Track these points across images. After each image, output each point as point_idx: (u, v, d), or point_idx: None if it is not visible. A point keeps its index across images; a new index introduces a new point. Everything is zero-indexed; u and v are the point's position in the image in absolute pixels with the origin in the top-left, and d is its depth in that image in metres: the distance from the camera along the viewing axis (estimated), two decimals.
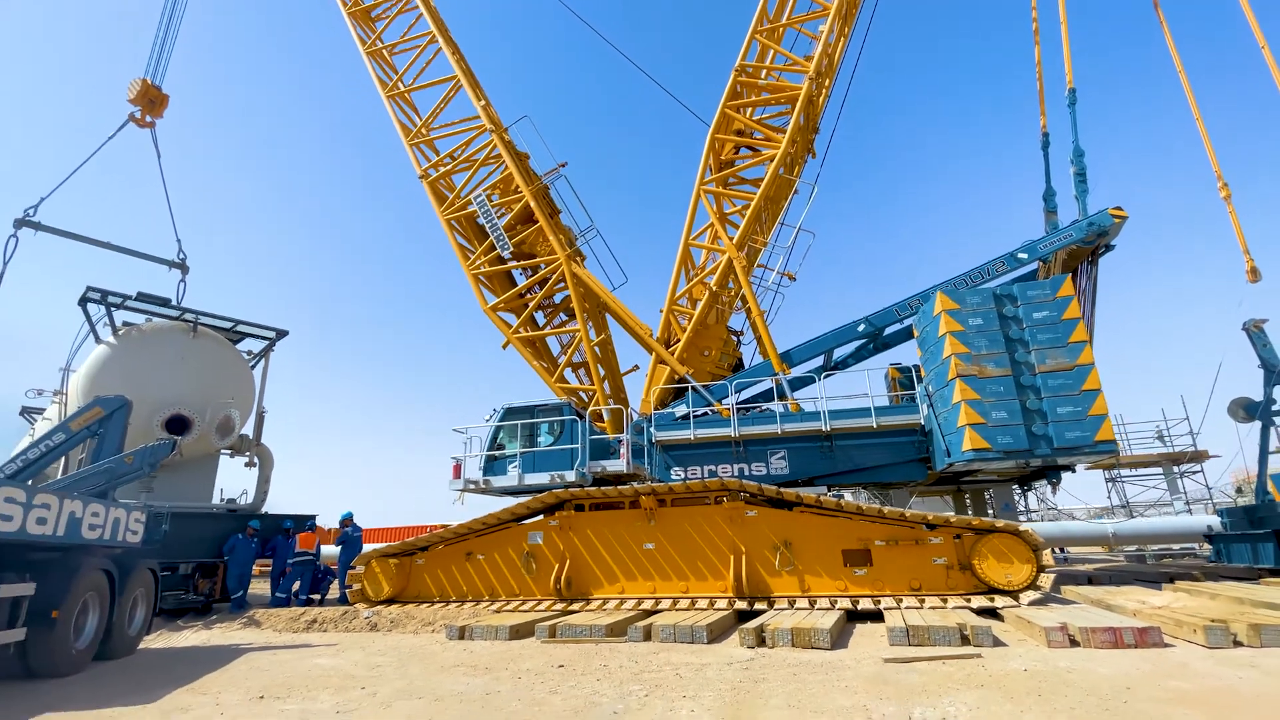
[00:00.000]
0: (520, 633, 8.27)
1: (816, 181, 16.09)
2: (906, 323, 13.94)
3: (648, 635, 7.68)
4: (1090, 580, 11.53)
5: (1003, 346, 10.47)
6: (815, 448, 12.74)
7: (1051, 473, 11.75)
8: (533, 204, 16.01)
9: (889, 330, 14.45)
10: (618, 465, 11.18)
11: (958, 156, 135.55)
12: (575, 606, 9.63)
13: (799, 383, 13.57)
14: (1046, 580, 8.17)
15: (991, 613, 8.12)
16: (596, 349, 15.22)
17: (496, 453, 12.28)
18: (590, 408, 13.98)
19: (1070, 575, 11.94)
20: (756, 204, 14.59)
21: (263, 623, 10.52)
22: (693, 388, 12.77)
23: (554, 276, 15.78)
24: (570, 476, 11.16)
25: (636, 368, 16.43)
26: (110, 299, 13.13)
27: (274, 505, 15.30)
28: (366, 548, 12.21)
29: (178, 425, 12.46)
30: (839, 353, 14.83)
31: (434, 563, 10.98)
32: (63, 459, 10.13)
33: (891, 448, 12.68)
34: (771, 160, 14.99)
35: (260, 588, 14.38)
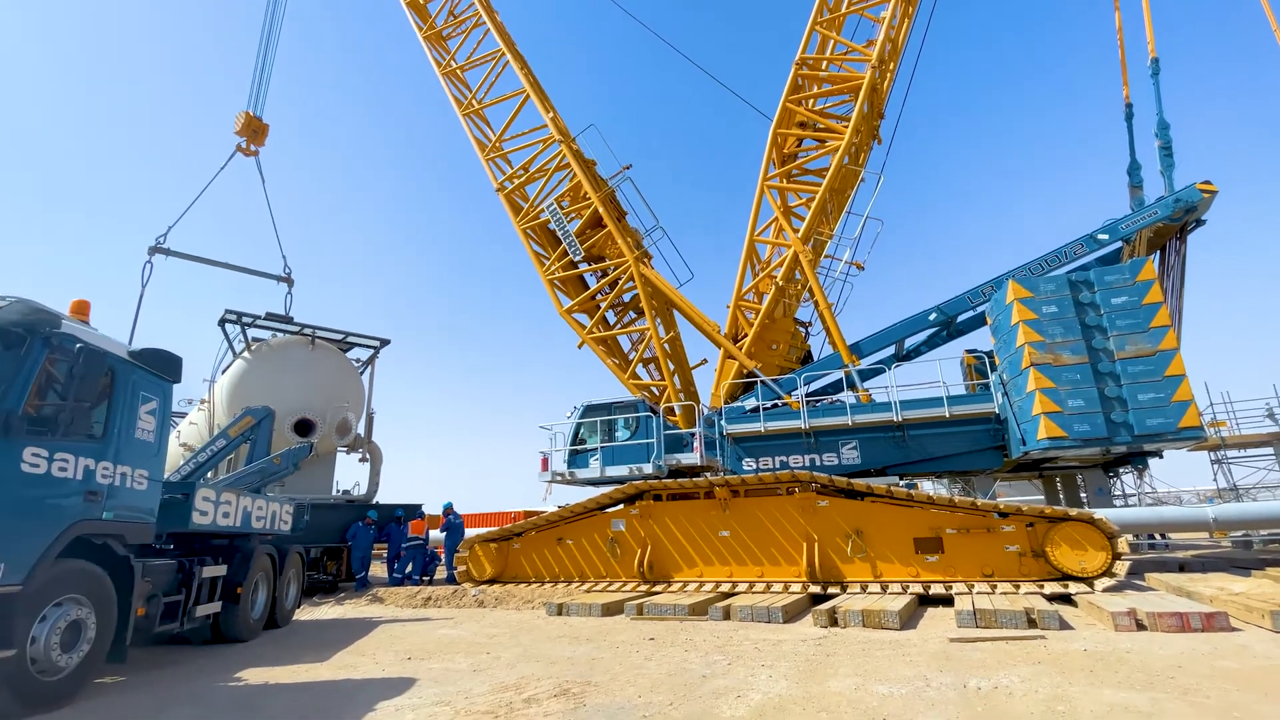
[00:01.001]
0: (611, 610, 9.19)
1: (883, 169, 16.09)
2: (980, 310, 13.84)
3: (727, 615, 8.41)
4: (1181, 567, 11.28)
5: (1079, 333, 10.39)
6: (887, 438, 12.99)
7: (1136, 459, 11.51)
8: (601, 209, 16.85)
9: (962, 318, 14.38)
10: (691, 458, 11.91)
11: (1034, 134, 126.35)
12: (658, 588, 10.48)
13: (869, 373, 13.79)
14: (1122, 567, 8.26)
15: (1065, 599, 8.32)
16: (666, 346, 15.95)
17: (579, 447, 13.30)
18: (663, 403, 14.76)
19: (1160, 562, 11.69)
20: (821, 196, 14.80)
21: (385, 600, 12.02)
22: (761, 381, 13.28)
23: (623, 278, 16.59)
24: (648, 469, 12.00)
25: (705, 361, 17.07)
26: (244, 319, 15.08)
27: (383, 496, 17.07)
28: (468, 533, 13.58)
29: (304, 428, 14.24)
30: (910, 342, 14.89)
31: (529, 547, 12.14)
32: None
33: (965, 436, 12.75)
34: (836, 151, 15.13)
35: (377, 569, 16.16)
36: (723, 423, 13.05)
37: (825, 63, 16.67)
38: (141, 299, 16.36)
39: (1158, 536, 18.41)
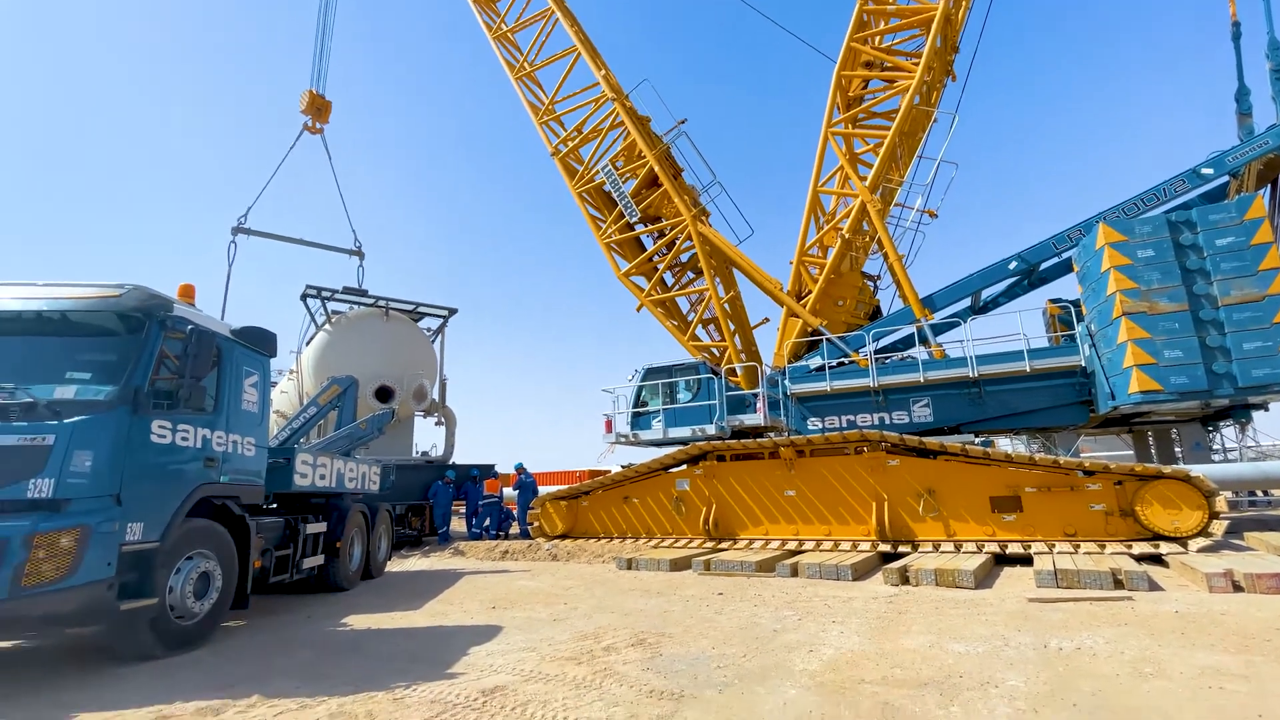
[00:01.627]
0: (679, 565, 9.47)
1: (958, 108, 15.03)
2: (1065, 256, 12.93)
3: (795, 572, 8.51)
4: None
5: (1178, 279, 9.58)
6: (962, 394, 12.52)
7: (1239, 411, 10.65)
8: (656, 168, 16.59)
9: (1045, 265, 13.49)
10: (755, 419, 11.90)
11: (1127, 60, 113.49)
12: (724, 545, 10.68)
13: (942, 328, 13.22)
14: (1220, 526, 7.78)
15: (1155, 559, 7.94)
16: (726, 305, 15.78)
17: (641, 409, 13.52)
18: (724, 364, 14.71)
19: (1262, 521, 10.92)
20: (891, 140, 14.03)
21: (466, 553, 12.81)
22: (827, 339, 12.99)
23: (681, 237, 16.40)
24: (710, 430, 12.09)
25: (766, 320, 16.81)
26: (323, 293, 15.96)
27: (458, 457, 17.99)
28: (539, 490, 14.19)
29: (384, 394, 15.09)
30: (988, 293, 14.13)
31: (597, 504, 12.57)
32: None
33: (1048, 391, 12.12)
34: (905, 91, 14.23)
35: (457, 524, 17.18)
36: (786, 383, 12.91)
37: None
38: (229, 277, 17.57)
39: (1260, 494, 17.11)
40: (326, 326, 16.08)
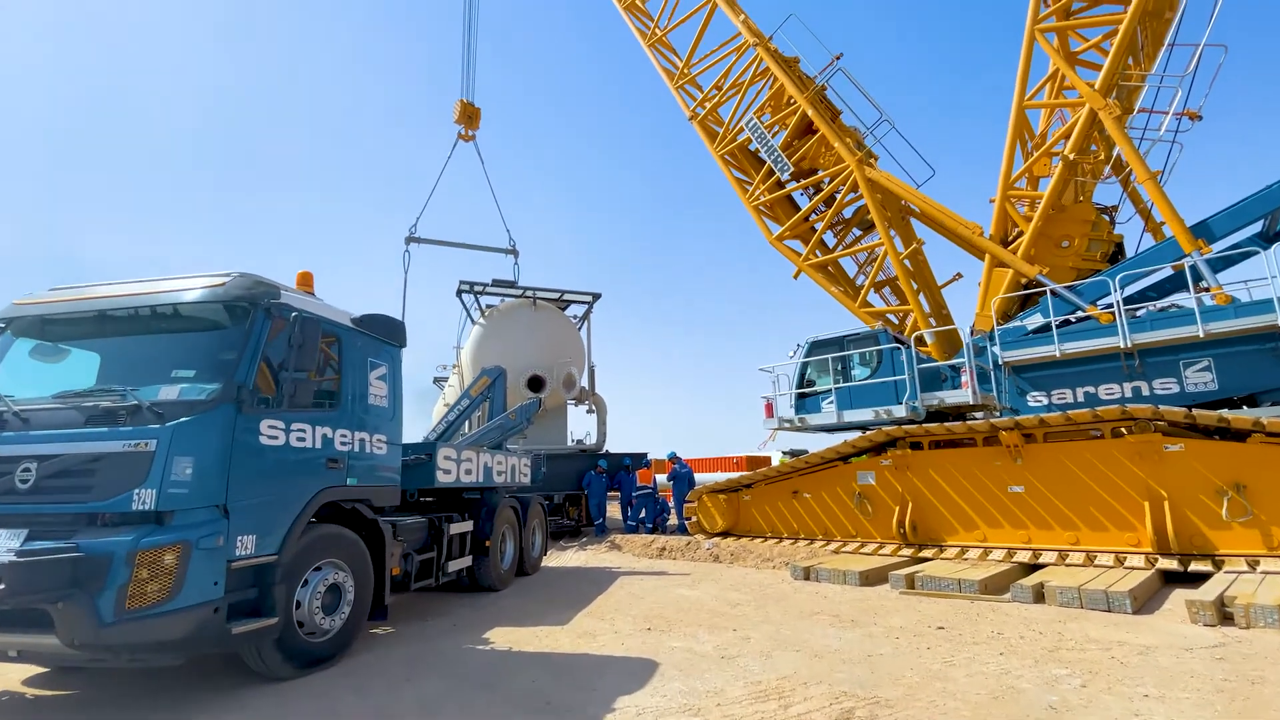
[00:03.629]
0: (871, 579, 7.71)
1: None
2: None
3: (1039, 596, 6.39)
4: None
5: None
6: (1261, 351, 9.06)
7: None
8: (810, 111, 14.46)
9: None
10: (959, 395, 9.58)
11: None
12: (927, 554, 8.66)
13: (1223, 263, 9.71)
14: None
15: None
16: (906, 262, 13.28)
17: (808, 390, 11.71)
18: (909, 331, 12.32)
19: None
20: (1129, 23, 10.60)
21: (622, 547, 12.04)
22: (1051, 291, 10.13)
23: (843, 188, 14.14)
24: (899, 411, 9.98)
25: (960, 276, 13.92)
26: (476, 288, 16.23)
27: (609, 444, 17.50)
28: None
29: (536, 384, 14.90)
30: None
31: (760, 499, 11.08)
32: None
33: None
34: None
35: (613, 510, 16.66)
36: (996, 350, 10.30)
37: None
38: (406, 283, 18.66)
39: None
40: (481, 320, 16.34)
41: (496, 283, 16.54)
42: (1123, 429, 7.68)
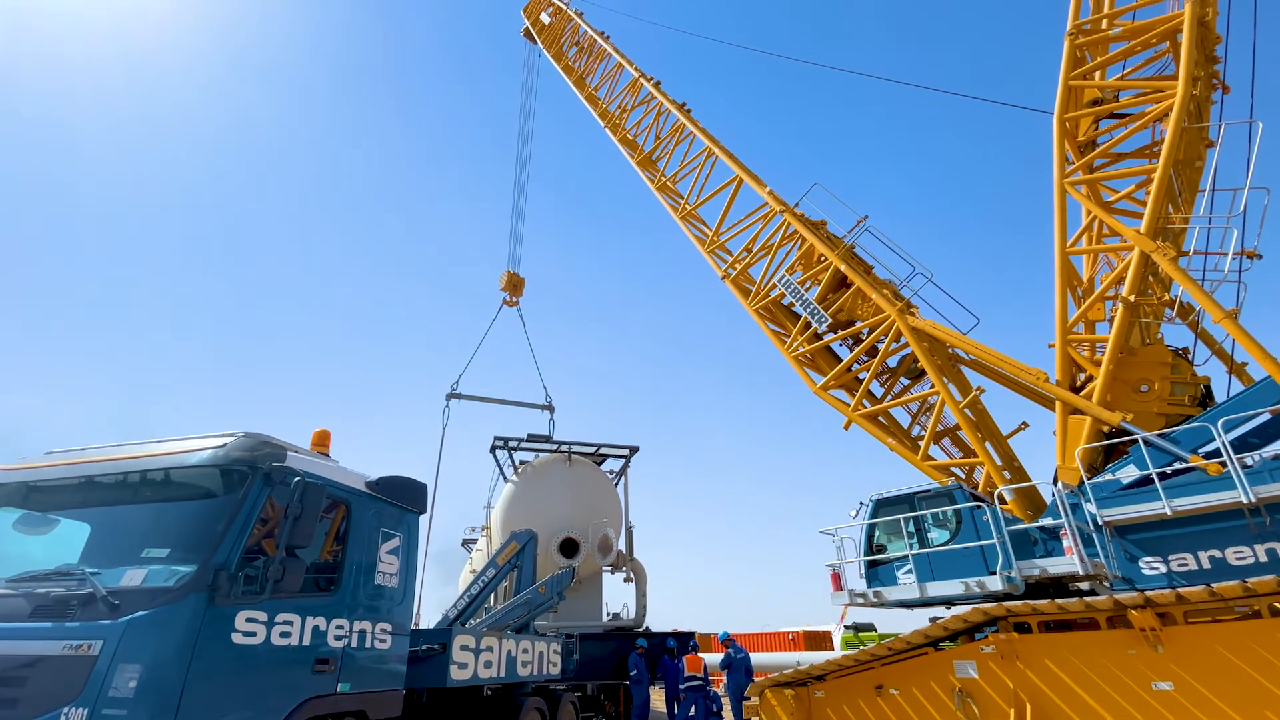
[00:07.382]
0: None
1: (1252, 116, 11.32)
2: None
3: None
4: None
5: None
6: None
7: None
8: (843, 267, 14.61)
9: None
10: (1065, 564, 8.18)
11: None
12: None
13: None
14: None
15: None
16: (967, 411, 12.38)
17: (879, 557, 10.32)
18: (984, 487, 11.07)
19: None
20: (1162, 173, 10.66)
21: None
22: (1143, 440, 9.03)
23: (886, 338, 13.78)
24: (993, 583, 8.52)
25: (1025, 425, 12.85)
26: (510, 443, 15.76)
27: (648, 619, 15.59)
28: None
29: (570, 548, 13.68)
30: None
31: (836, 695, 9.24)
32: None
33: None
34: (1168, 113, 11.05)
35: (655, 697, 14.25)
36: (1091, 508, 8.99)
37: (1107, 20, 12.93)
38: (443, 439, 18.41)
39: None
40: (513, 477, 15.64)
41: (531, 438, 16.11)
42: None
